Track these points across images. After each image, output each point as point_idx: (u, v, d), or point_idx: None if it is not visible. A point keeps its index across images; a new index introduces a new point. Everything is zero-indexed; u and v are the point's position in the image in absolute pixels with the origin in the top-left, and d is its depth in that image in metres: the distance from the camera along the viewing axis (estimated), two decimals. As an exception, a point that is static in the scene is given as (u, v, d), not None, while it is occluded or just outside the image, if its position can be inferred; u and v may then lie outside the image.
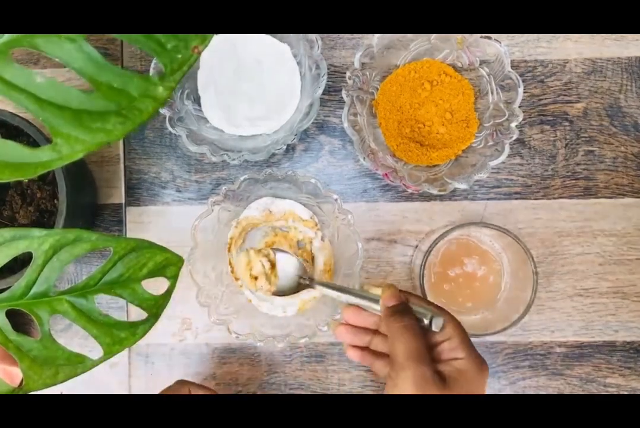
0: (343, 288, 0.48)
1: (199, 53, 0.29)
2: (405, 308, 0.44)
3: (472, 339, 0.44)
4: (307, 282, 0.51)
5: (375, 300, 0.45)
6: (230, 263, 0.58)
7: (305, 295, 0.57)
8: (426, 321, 0.43)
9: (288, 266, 0.52)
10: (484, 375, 0.42)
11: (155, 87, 0.29)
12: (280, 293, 0.52)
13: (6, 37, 0.27)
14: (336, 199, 0.54)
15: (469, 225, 0.54)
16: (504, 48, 0.54)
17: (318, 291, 0.50)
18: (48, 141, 0.52)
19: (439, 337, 0.44)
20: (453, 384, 0.41)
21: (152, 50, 0.28)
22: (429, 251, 0.53)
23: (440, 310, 0.45)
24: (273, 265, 0.52)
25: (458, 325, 0.44)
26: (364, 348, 0.47)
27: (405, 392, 0.40)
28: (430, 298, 0.54)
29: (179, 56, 0.29)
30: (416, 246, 0.60)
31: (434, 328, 0.43)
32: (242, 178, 0.54)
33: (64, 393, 0.61)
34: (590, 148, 0.60)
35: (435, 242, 0.53)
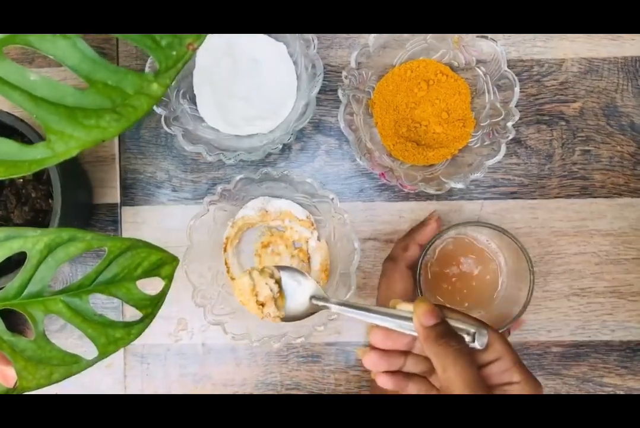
0: (366, 307, 0.42)
1: (194, 50, 0.29)
2: (448, 329, 0.38)
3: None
4: (322, 302, 0.44)
5: (407, 318, 0.40)
6: (226, 263, 0.58)
7: None
8: (468, 339, 0.38)
9: (297, 286, 0.46)
10: None
11: (150, 84, 0.28)
12: (290, 318, 0.45)
13: (0, 34, 0.27)
14: (332, 199, 0.53)
15: (465, 224, 0.54)
16: (500, 47, 0.54)
17: (335, 312, 0.44)
18: (43, 140, 0.51)
19: (486, 357, 0.39)
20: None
21: (147, 47, 0.28)
22: (425, 250, 0.53)
23: (482, 325, 0.39)
24: (279, 285, 0.45)
25: (506, 342, 0.39)
26: (395, 372, 0.42)
27: None
28: (428, 297, 0.53)
29: (174, 53, 0.28)
30: None
31: (479, 346, 0.38)
32: (238, 178, 0.53)
33: (58, 393, 0.60)
34: (587, 148, 0.60)
35: (432, 241, 0.53)
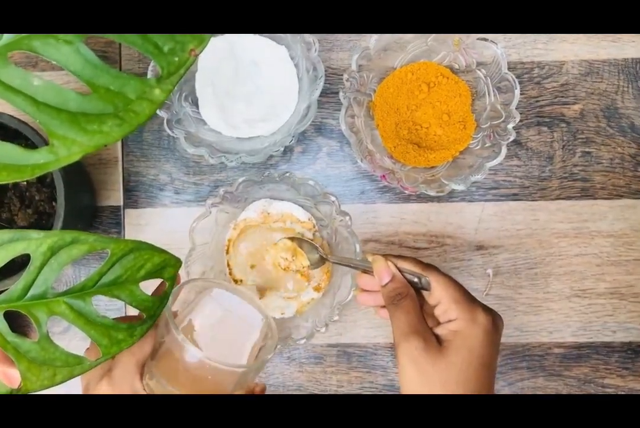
0: (349, 260, 0.52)
1: (196, 56, 0.29)
2: (399, 283, 0.46)
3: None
4: (324, 256, 0.55)
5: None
6: (228, 265, 0.58)
7: (304, 296, 0.57)
8: (419, 284, 0.46)
9: (309, 247, 0.56)
10: (484, 329, 0.42)
11: (152, 90, 0.29)
12: (313, 266, 0.56)
13: (4, 39, 0.27)
14: (334, 201, 0.54)
15: None
16: (500, 50, 0.54)
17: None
18: (46, 143, 0.52)
19: (432, 301, 0.45)
20: (449, 347, 0.42)
21: (149, 52, 0.28)
22: None
23: (429, 270, 0.46)
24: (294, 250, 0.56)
25: (448, 284, 0.45)
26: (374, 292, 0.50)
27: (403, 367, 0.42)
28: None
29: (176, 59, 0.29)
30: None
31: (426, 289, 0.46)
32: (240, 180, 0.54)
33: (61, 393, 0.61)
34: (588, 149, 0.61)
35: None
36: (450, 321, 0.44)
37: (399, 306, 0.45)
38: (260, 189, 0.57)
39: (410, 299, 0.46)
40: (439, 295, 0.45)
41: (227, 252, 0.58)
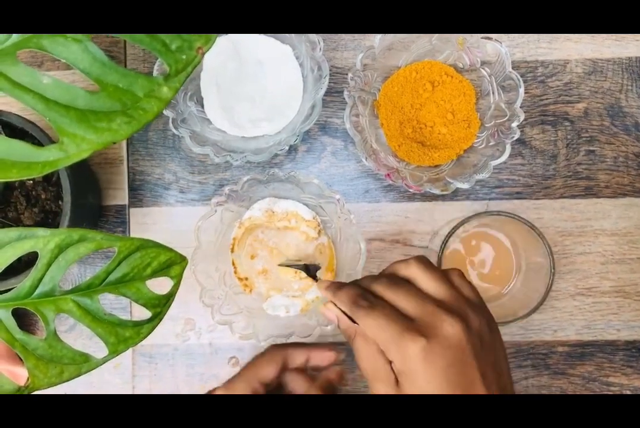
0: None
1: (203, 54, 0.29)
2: (344, 329, 0.43)
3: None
4: (313, 277, 0.55)
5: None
6: (233, 264, 0.59)
7: (310, 295, 0.57)
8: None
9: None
10: (430, 359, 0.37)
11: (160, 88, 0.29)
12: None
13: (13, 38, 0.27)
14: (338, 200, 0.54)
15: (487, 214, 0.54)
16: (504, 49, 0.54)
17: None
18: (53, 142, 0.52)
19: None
20: (403, 385, 0.38)
21: (157, 51, 0.29)
22: (446, 240, 0.53)
23: (358, 313, 0.40)
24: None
25: (375, 327, 0.39)
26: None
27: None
28: None
29: (184, 57, 0.29)
30: (432, 235, 0.61)
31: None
32: (245, 179, 0.54)
33: (67, 393, 0.61)
34: (591, 148, 0.61)
35: (453, 231, 0.53)
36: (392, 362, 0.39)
37: (353, 347, 0.41)
38: (265, 188, 0.57)
39: (359, 338, 0.41)
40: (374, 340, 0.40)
41: (232, 251, 0.59)
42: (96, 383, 0.62)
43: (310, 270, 0.55)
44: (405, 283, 0.41)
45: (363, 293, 0.41)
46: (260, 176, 0.54)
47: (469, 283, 0.43)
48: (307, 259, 0.58)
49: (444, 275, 0.42)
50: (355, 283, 0.44)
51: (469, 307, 0.40)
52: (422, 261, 0.42)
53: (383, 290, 0.41)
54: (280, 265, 0.57)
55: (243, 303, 0.57)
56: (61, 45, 0.28)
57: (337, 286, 0.44)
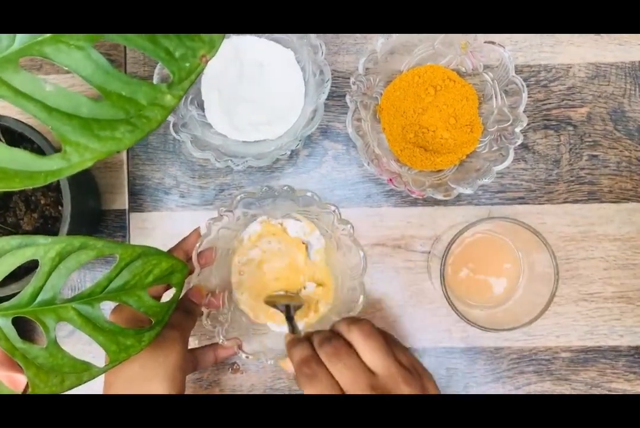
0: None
1: (207, 61, 0.29)
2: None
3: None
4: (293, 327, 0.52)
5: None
6: (233, 282, 0.57)
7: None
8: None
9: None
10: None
11: (164, 96, 0.29)
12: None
13: (16, 45, 0.27)
14: (334, 211, 0.52)
15: (489, 220, 0.53)
16: (507, 53, 0.54)
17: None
18: (52, 147, 0.52)
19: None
20: None
21: (161, 58, 0.28)
22: (450, 243, 0.52)
23: (300, 377, 0.41)
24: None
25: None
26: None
27: None
28: (449, 289, 0.53)
29: (187, 64, 0.29)
30: (435, 240, 0.60)
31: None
32: (238, 197, 0.52)
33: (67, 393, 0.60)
34: (594, 153, 0.60)
35: (459, 234, 0.52)
36: None
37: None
38: (260, 204, 0.55)
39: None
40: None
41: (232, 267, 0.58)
42: (96, 388, 0.61)
43: (290, 311, 0.53)
44: (347, 352, 0.41)
45: (309, 358, 0.42)
46: (254, 192, 0.52)
47: (405, 349, 0.44)
48: (296, 287, 0.57)
49: (382, 344, 0.41)
50: (308, 340, 0.44)
51: (402, 380, 0.40)
52: (364, 329, 0.42)
53: (325, 359, 0.41)
54: (265, 303, 0.56)
55: (245, 323, 0.56)
56: (64, 53, 0.27)
57: (293, 344, 0.44)
